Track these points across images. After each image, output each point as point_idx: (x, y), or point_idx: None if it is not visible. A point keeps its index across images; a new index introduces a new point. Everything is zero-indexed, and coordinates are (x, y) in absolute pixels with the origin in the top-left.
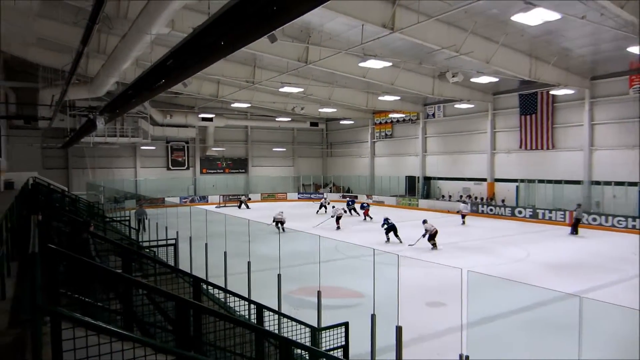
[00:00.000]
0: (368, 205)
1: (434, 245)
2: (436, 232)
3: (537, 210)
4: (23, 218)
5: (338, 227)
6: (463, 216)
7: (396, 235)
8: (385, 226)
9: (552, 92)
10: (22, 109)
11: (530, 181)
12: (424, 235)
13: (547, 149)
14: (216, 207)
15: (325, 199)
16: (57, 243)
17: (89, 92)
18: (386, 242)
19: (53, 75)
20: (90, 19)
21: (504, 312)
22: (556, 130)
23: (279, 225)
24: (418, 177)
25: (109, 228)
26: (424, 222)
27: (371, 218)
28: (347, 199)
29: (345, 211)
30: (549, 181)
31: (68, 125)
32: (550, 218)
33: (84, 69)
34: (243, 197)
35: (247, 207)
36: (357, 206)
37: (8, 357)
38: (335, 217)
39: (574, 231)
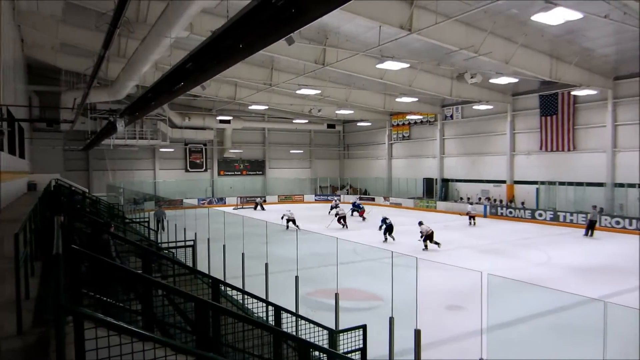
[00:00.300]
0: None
1: (437, 244)
2: (432, 233)
3: (558, 213)
4: (46, 219)
5: (344, 226)
6: (472, 217)
7: (390, 235)
8: (384, 226)
9: (573, 93)
10: (45, 112)
11: (551, 183)
12: (420, 237)
13: (569, 150)
14: (233, 209)
15: (336, 200)
16: (79, 244)
17: (109, 95)
18: (384, 241)
19: (75, 79)
20: (111, 24)
21: (524, 316)
22: (578, 132)
23: (290, 223)
24: (436, 179)
25: (129, 229)
26: (420, 223)
27: (364, 219)
28: (353, 201)
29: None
30: (570, 183)
31: (89, 127)
32: (571, 221)
33: (104, 73)
34: (258, 199)
35: (263, 208)
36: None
37: (32, 356)
38: (337, 217)
39: (589, 233)
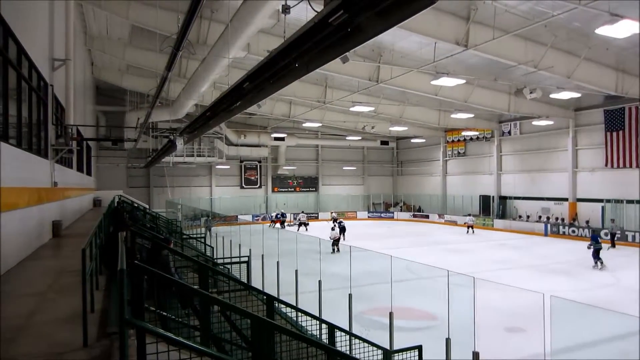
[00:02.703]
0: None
1: (336, 250)
2: (339, 238)
3: (626, 233)
4: (109, 234)
5: (306, 229)
6: (470, 227)
7: (343, 234)
8: (337, 228)
9: None
10: (111, 131)
11: (618, 201)
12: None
13: (637, 167)
14: (287, 225)
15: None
16: (140, 259)
17: (169, 114)
18: (342, 240)
19: (138, 99)
20: (175, 46)
21: (591, 341)
22: None
23: (302, 225)
24: (493, 197)
25: (186, 245)
26: (332, 229)
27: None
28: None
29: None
30: (639, 201)
31: (150, 146)
32: None
33: (166, 93)
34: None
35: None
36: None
37: None
38: (300, 223)
39: (613, 245)
